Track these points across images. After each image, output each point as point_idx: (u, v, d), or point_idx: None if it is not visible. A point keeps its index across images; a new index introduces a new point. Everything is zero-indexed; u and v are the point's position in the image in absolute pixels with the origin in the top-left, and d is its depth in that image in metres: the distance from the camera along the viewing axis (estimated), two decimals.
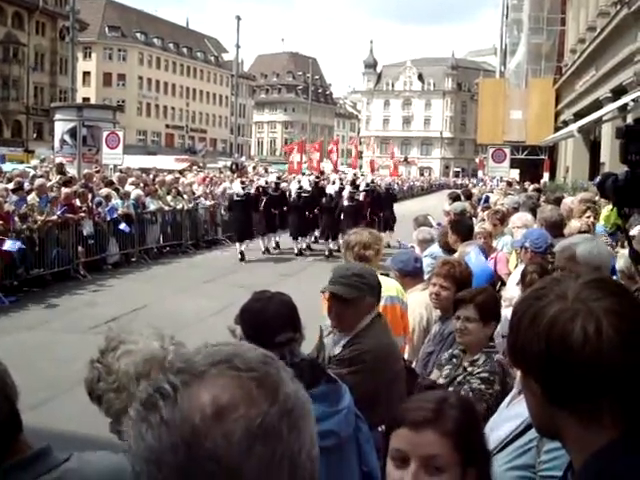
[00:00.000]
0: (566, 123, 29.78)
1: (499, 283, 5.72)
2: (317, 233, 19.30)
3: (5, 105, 53.92)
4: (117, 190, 16.11)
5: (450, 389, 3.16)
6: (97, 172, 18.42)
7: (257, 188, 18.57)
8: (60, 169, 17.69)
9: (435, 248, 6.58)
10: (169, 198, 18.41)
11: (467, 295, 3.52)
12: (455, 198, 13.01)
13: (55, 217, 13.11)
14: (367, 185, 21.02)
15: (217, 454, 0.79)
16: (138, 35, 79.60)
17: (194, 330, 8.53)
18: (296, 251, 18.25)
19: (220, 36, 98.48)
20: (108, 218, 14.89)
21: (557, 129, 32.13)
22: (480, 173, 51.64)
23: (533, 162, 35.80)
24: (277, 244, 19.09)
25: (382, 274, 4.08)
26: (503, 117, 37.21)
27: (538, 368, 1.15)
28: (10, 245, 11.32)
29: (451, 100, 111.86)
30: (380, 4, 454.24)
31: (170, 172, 26.47)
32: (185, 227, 18.48)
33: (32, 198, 13.13)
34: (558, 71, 36.38)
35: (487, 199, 14.69)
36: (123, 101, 72.87)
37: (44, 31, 58.33)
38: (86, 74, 72.71)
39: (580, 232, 5.57)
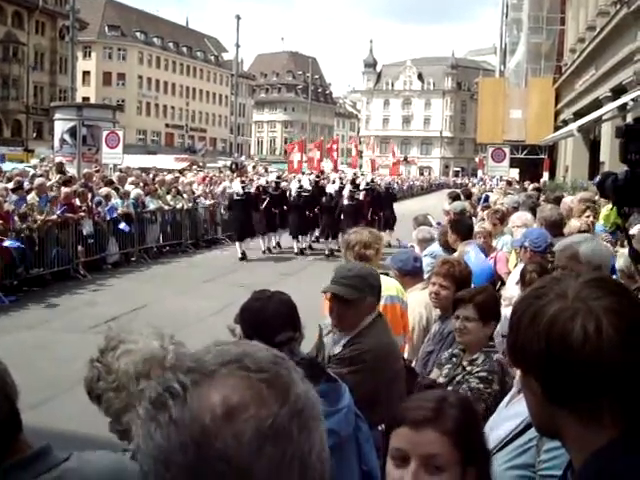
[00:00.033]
0: (566, 122, 29.79)
1: (499, 283, 5.72)
2: (317, 232, 19.30)
3: (5, 104, 53.89)
4: (117, 189, 16.11)
5: (449, 388, 3.16)
6: (97, 171, 18.41)
7: (257, 187, 18.58)
8: (60, 168, 17.68)
9: (435, 247, 6.58)
10: (169, 197, 18.41)
11: (466, 295, 3.52)
12: (455, 197, 13.02)
13: (55, 216, 13.11)
14: (367, 184, 21.02)
15: (227, 454, 0.78)
16: (138, 34, 79.58)
17: (194, 329, 8.52)
18: (296, 250, 18.25)
19: (220, 35, 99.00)
20: (108, 217, 14.89)
21: (557, 128, 32.14)
22: (480, 173, 51.64)
23: (533, 161, 35.82)
24: (278, 244, 19.13)
25: (382, 273, 4.08)
26: (503, 116, 37.23)
27: (538, 367, 1.15)
28: (10, 243, 11.35)
29: (451, 99, 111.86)
30: (380, 3, 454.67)
31: (170, 171, 26.49)
32: (185, 226, 18.48)
33: (32, 197, 13.13)
34: (558, 70, 36.39)
35: (487, 198, 14.70)
36: (123, 100, 72.86)
37: (44, 30, 58.30)
38: (86, 73, 72.70)
39: (580, 231, 5.57)
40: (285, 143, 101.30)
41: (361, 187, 20.28)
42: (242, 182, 17.75)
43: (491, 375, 3.20)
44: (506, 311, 3.43)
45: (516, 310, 1.23)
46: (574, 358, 1.11)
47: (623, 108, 15.42)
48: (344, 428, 2.54)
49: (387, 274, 4.54)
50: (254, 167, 31.18)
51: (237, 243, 17.26)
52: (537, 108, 35.68)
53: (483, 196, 16.02)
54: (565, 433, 1.18)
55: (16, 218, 12.07)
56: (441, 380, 3.40)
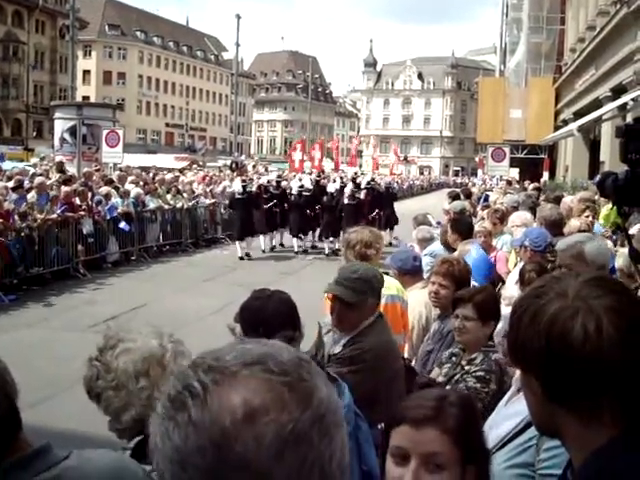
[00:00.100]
0: (566, 122, 29.79)
1: (500, 284, 5.71)
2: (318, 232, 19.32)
3: (5, 103, 53.89)
4: (117, 189, 16.11)
5: (447, 387, 3.16)
6: (97, 171, 18.39)
7: (259, 187, 18.59)
8: (60, 167, 17.68)
9: (436, 246, 6.57)
10: (169, 197, 18.41)
11: (466, 294, 3.52)
12: (455, 197, 13.03)
13: (55, 215, 13.11)
14: (368, 183, 21.02)
15: (247, 458, 0.77)
16: (138, 34, 79.57)
17: (194, 329, 8.52)
18: (296, 249, 18.25)
19: (220, 35, 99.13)
20: (108, 217, 14.89)
21: (557, 128, 32.13)
22: (480, 172, 51.66)
23: (533, 161, 35.81)
24: (282, 244, 19.17)
25: (382, 273, 4.08)
26: (503, 116, 37.21)
27: (538, 366, 1.15)
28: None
29: (451, 99, 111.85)
30: (380, 3, 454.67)
31: (170, 171, 26.48)
32: (185, 226, 18.48)
33: (32, 196, 13.13)
34: (558, 70, 36.38)
35: (487, 198, 14.71)
36: (123, 99, 72.83)
37: (44, 29, 58.30)
38: (86, 72, 72.71)
39: (579, 231, 5.57)
40: (285, 142, 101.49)
41: (362, 186, 20.30)
42: (243, 181, 17.76)
43: (489, 375, 3.20)
44: (506, 310, 3.43)
45: (516, 309, 1.23)
46: (574, 357, 1.11)
47: (623, 108, 15.42)
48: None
49: (387, 273, 4.54)
50: (254, 166, 31.19)
51: (237, 242, 17.27)
52: (537, 108, 35.66)
53: (483, 195, 16.05)
54: (565, 432, 1.18)
55: (16, 217, 12.07)
56: (440, 379, 3.40)
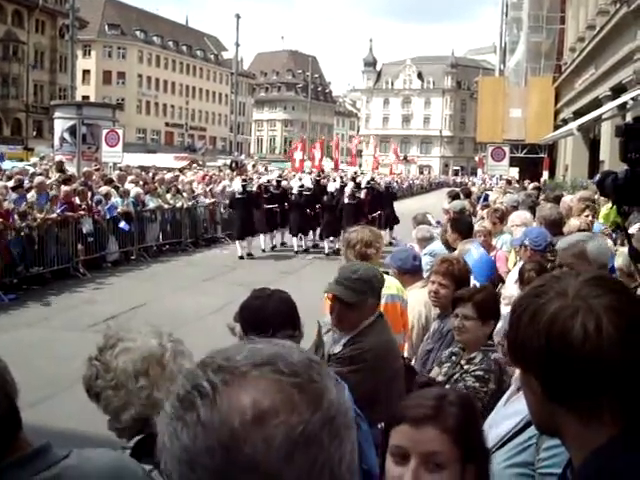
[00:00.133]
0: (565, 121, 29.79)
1: (500, 284, 5.71)
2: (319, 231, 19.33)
3: (5, 103, 53.89)
4: (117, 188, 16.10)
5: (447, 386, 3.16)
6: (97, 170, 18.39)
7: (259, 186, 18.59)
8: (60, 167, 17.69)
9: (436, 246, 6.57)
10: (169, 196, 18.40)
11: (465, 293, 3.52)
12: (454, 196, 13.03)
13: (55, 215, 13.11)
14: (368, 183, 21.04)
15: (256, 460, 0.76)
16: (138, 33, 79.56)
17: (193, 328, 8.52)
18: (296, 248, 18.26)
19: (220, 34, 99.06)
20: (108, 216, 14.89)
21: (556, 127, 32.13)
22: (480, 172, 51.66)
23: (532, 160, 35.81)
24: (283, 244, 19.18)
25: (382, 272, 4.08)
26: (502, 115, 37.21)
27: (538, 365, 1.15)
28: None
29: (450, 98, 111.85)
30: (380, 3, 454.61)
31: (170, 170, 26.47)
32: (185, 225, 18.48)
33: (32, 196, 13.12)
34: (557, 69, 36.37)
35: (486, 197, 14.71)
36: (123, 99, 72.84)
37: (44, 29, 58.30)
38: (86, 72, 72.67)
39: (579, 230, 5.57)
40: (285, 142, 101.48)
41: (362, 186, 20.31)
42: (243, 181, 17.76)
43: (488, 374, 3.20)
44: (505, 310, 3.43)
45: (516, 308, 1.23)
46: (574, 356, 1.11)
47: (623, 107, 15.41)
48: None
49: (387, 273, 4.54)
50: (254, 166, 31.18)
51: (237, 242, 17.27)
52: (537, 107, 35.66)
53: (483, 195, 16.04)
54: (565, 431, 1.18)
55: (16, 216, 12.07)
56: (440, 378, 3.40)
